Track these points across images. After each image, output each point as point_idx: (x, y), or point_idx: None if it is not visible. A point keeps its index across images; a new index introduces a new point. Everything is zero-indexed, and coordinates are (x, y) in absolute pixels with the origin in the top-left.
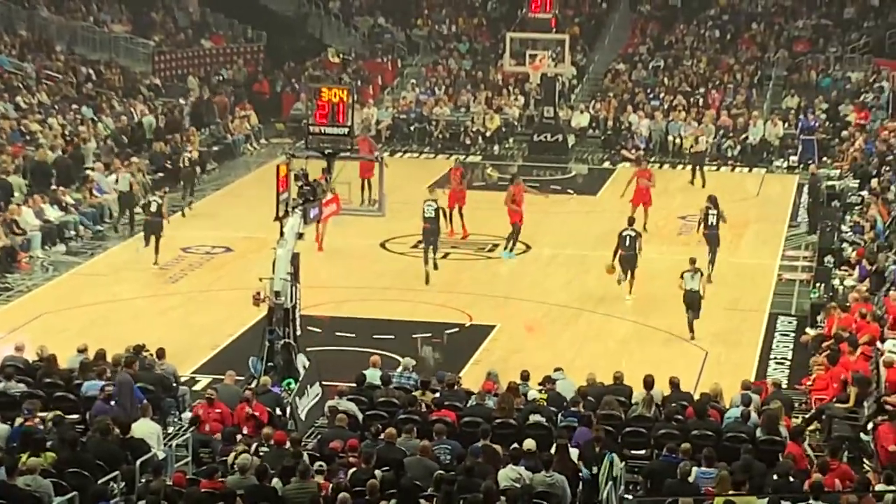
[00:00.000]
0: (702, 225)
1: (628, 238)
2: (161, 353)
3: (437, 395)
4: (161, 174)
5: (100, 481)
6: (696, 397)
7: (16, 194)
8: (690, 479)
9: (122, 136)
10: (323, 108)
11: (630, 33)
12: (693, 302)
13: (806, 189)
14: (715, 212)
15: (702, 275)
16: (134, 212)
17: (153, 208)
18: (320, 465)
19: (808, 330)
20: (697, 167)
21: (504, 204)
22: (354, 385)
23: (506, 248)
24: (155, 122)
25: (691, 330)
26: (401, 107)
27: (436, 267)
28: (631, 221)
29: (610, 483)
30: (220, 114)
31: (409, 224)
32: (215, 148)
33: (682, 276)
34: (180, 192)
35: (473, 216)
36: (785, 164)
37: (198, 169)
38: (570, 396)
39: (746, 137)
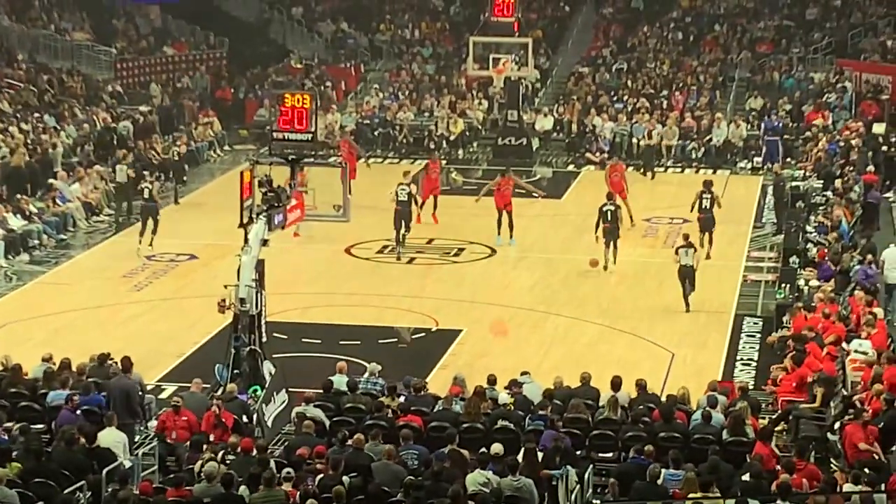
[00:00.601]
0: (695, 208)
1: (609, 212)
2: (126, 362)
3: (404, 400)
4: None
5: (66, 491)
6: (663, 399)
7: None
8: (659, 482)
9: (89, 142)
10: (286, 114)
11: (593, 36)
12: (687, 276)
13: (770, 190)
14: (709, 195)
15: (695, 250)
16: (131, 202)
17: (146, 194)
18: (288, 472)
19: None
20: (647, 162)
21: (486, 194)
22: (321, 391)
23: (498, 233)
24: (132, 127)
25: (687, 304)
26: (364, 112)
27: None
28: (609, 196)
29: (571, 494)
30: (189, 118)
31: (374, 229)
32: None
33: (676, 252)
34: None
35: (439, 221)
36: (749, 166)
37: (186, 166)
38: (538, 400)
39: (710, 139)
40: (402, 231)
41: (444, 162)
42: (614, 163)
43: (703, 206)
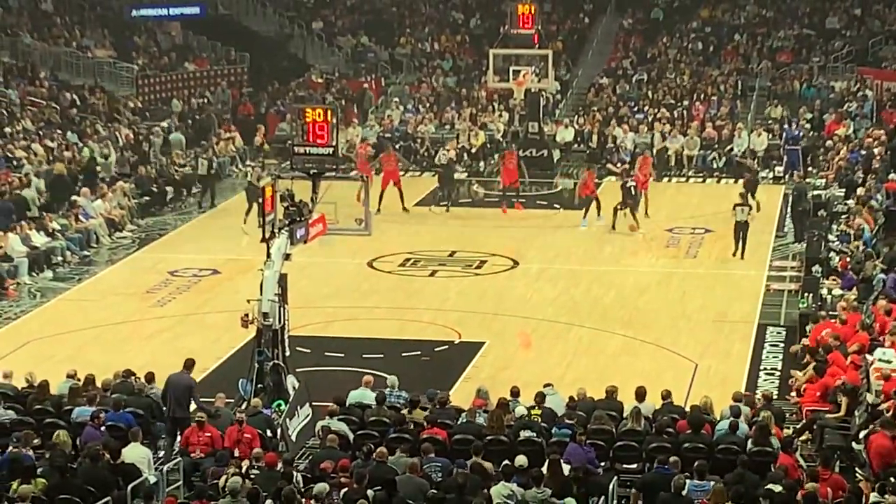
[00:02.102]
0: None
1: (632, 188)
2: (150, 378)
3: (428, 412)
4: (147, 197)
5: None
6: (687, 410)
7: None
8: (684, 493)
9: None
10: (308, 129)
11: (613, 47)
12: (742, 230)
13: (791, 198)
14: (745, 208)
15: (750, 208)
16: (215, 189)
17: (250, 178)
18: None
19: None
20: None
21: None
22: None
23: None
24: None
25: (742, 256)
26: (385, 125)
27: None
28: (627, 172)
29: None
30: (217, 129)
31: (396, 242)
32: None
33: (733, 209)
34: (198, 197)
35: (461, 233)
36: (770, 175)
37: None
38: (561, 412)
39: (731, 149)
40: (447, 190)
41: (464, 175)
42: (645, 156)
43: (739, 220)
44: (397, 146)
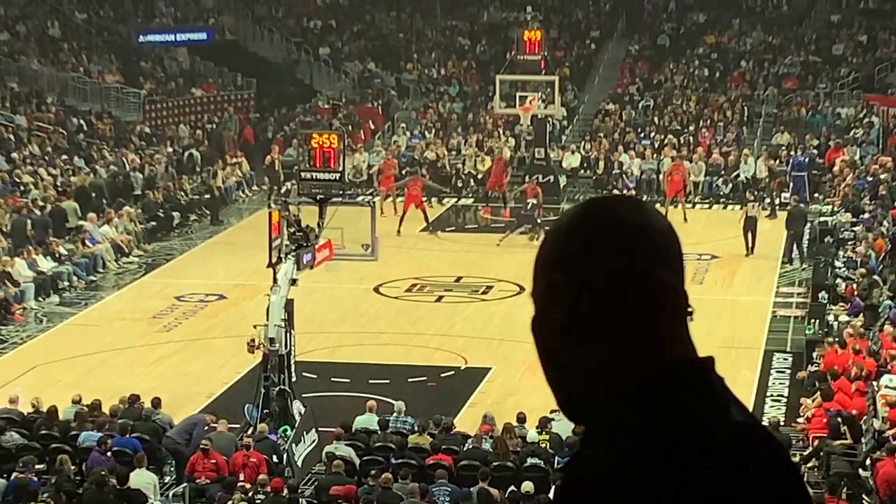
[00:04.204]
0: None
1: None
2: (156, 403)
3: (433, 439)
4: (153, 223)
5: None
6: None
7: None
8: None
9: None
10: (315, 154)
11: (619, 73)
12: (751, 227)
13: (786, 221)
14: (755, 204)
15: (759, 203)
16: (218, 213)
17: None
18: None
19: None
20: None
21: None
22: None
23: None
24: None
25: (752, 249)
26: (391, 151)
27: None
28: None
29: None
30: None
31: (402, 268)
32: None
33: (744, 206)
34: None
35: (467, 259)
36: (778, 201)
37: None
38: (567, 437)
39: (738, 175)
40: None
41: (471, 200)
42: (678, 162)
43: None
44: (403, 172)
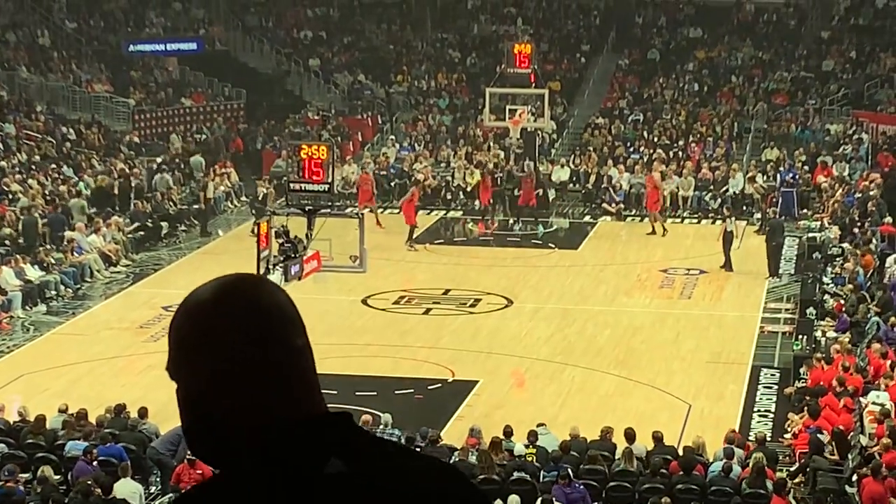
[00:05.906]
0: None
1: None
2: (143, 413)
3: (420, 451)
4: (142, 232)
5: None
6: (680, 451)
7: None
8: None
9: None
10: (304, 165)
11: (609, 87)
12: (728, 241)
13: (766, 234)
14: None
15: (736, 219)
16: (206, 224)
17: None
18: None
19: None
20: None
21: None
22: None
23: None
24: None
25: (731, 266)
26: (381, 163)
27: None
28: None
29: None
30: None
31: (390, 280)
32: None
33: (724, 220)
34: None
35: (455, 272)
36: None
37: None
38: (554, 451)
39: (727, 190)
40: None
41: (460, 213)
42: (648, 175)
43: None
44: (392, 184)
